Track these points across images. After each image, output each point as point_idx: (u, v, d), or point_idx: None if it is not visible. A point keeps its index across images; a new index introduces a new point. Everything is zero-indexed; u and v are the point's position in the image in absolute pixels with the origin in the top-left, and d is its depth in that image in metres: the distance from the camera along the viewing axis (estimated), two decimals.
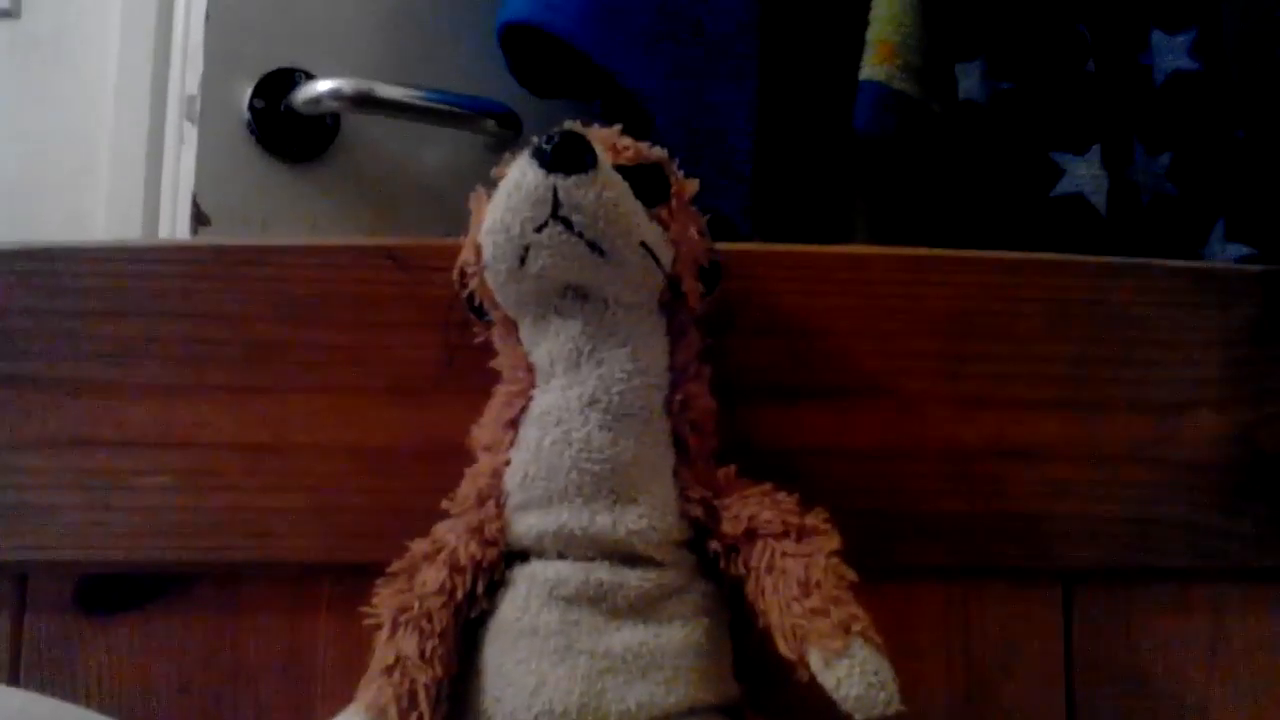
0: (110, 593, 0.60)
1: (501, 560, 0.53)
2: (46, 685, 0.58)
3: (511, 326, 0.54)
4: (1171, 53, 0.77)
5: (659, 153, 0.54)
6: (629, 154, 0.52)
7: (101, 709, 0.56)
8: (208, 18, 0.81)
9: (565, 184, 0.48)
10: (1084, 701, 0.62)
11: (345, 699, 0.51)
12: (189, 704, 0.59)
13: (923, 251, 0.64)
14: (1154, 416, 0.63)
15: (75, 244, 0.62)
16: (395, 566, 0.53)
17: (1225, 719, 0.62)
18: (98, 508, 0.59)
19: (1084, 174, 0.74)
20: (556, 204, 0.48)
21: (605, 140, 0.52)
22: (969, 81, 0.76)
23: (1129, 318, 0.63)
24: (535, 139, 0.49)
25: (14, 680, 0.59)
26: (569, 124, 0.50)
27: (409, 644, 0.50)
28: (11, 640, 0.59)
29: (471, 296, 0.55)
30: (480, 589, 0.52)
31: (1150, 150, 0.77)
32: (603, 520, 0.51)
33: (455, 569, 0.52)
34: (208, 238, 0.78)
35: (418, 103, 0.83)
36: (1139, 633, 0.62)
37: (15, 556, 0.59)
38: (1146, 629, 0.63)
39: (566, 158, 0.48)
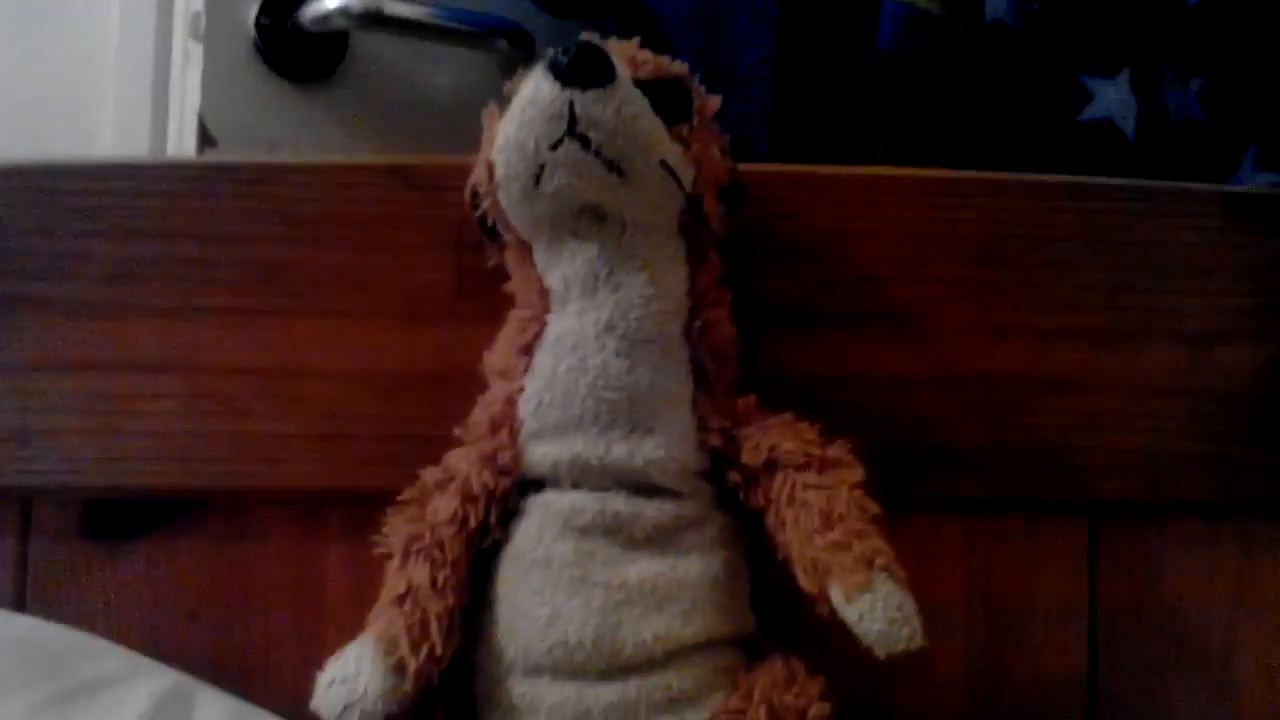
0: (116, 518, 0.59)
1: (515, 489, 0.52)
2: (53, 612, 0.57)
3: (525, 249, 0.53)
4: None
5: (680, 67, 0.52)
6: (649, 68, 0.51)
7: (109, 636, 0.55)
8: None
9: (582, 99, 0.46)
10: (1107, 636, 0.61)
11: (355, 628, 0.50)
12: (197, 631, 0.59)
13: (951, 174, 0.62)
14: (1186, 347, 0.62)
15: (77, 161, 0.62)
16: (406, 494, 0.52)
17: (1252, 655, 0.61)
18: (103, 432, 0.58)
19: (1113, 98, 0.73)
20: (573, 120, 0.46)
21: (624, 54, 0.50)
22: (996, 2, 0.74)
23: (1162, 244, 0.62)
24: (551, 51, 0.47)
25: (20, 607, 0.58)
26: (585, 36, 0.48)
27: (420, 573, 0.49)
28: (17, 567, 0.59)
29: (484, 217, 0.53)
30: (493, 518, 0.51)
31: (1181, 75, 0.76)
32: (619, 449, 0.50)
33: (468, 498, 0.51)
34: (213, 157, 0.77)
35: (428, 20, 0.81)
36: (1165, 568, 0.62)
37: (20, 481, 0.58)
38: (1173, 564, 0.62)
39: (584, 71, 0.46)
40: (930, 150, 0.80)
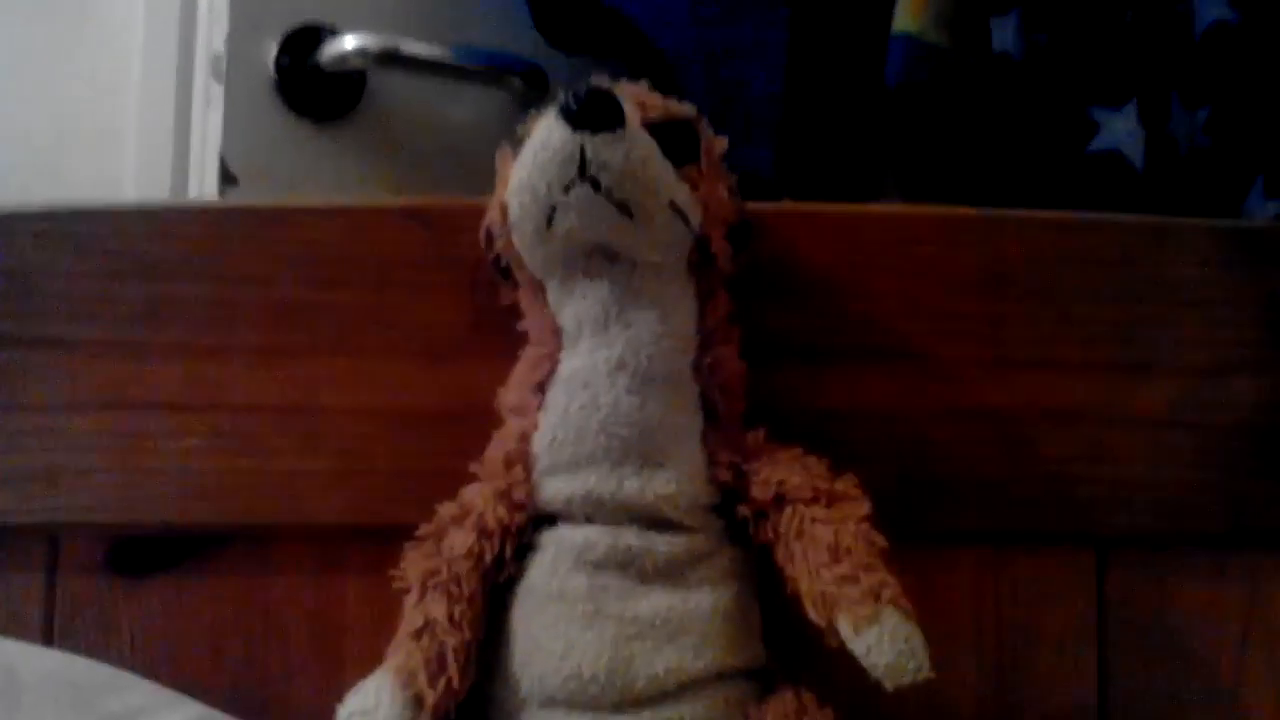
0: (142, 554, 0.60)
1: (529, 524, 0.53)
2: (79, 646, 0.58)
3: (538, 288, 0.54)
4: (1212, 3, 0.75)
5: (688, 109, 0.53)
6: (657, 111, 0.52)
7: (134, 670, 0.56)
8: None
9: (593, 142, 0.47)
10: (1116, 669, 0.61)
11: (374, 661, 0.51)
12: (220, 665, 0.60)
13: (958, 211, 0.63)
14: (1193, 379, 0.62)
15: (102, 204, 0.63)
16: (423, 530, 0.53)
17: (1260, 687, 0.61)
18: (128, 470, 0.59)
19: (1121, 129, 0.73)
20: (584, 163, 0.47)
21: (633, 97, 0.51)
22: (1003, 34, 0.74)
23: (1167, 279, 0.62)
24: (562, 95, 0.48)
25: (47, 642, 0.59)
26: (596, 79, 0.49)
27: (437, 608, 0.50)
28: (45, 602, 0.60)
29: (498, 258, 0.54)
30: (508, 553, 0.52)
31: (1188, 104, 0.76)
32: (631, 485, 0.50)
33: (483, 533, 0.52)
34: (234, 199, 0.78)
35: (444, 59, 0.83)
36: (1173, 600, 0.62)
37: (47, 519, 0.59)
38: (1181, 596, 0.62)
39: (594, 115, 0.47)
40: (940, 184, 0.81)
